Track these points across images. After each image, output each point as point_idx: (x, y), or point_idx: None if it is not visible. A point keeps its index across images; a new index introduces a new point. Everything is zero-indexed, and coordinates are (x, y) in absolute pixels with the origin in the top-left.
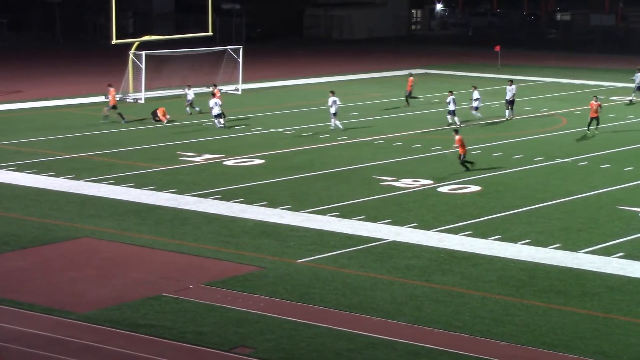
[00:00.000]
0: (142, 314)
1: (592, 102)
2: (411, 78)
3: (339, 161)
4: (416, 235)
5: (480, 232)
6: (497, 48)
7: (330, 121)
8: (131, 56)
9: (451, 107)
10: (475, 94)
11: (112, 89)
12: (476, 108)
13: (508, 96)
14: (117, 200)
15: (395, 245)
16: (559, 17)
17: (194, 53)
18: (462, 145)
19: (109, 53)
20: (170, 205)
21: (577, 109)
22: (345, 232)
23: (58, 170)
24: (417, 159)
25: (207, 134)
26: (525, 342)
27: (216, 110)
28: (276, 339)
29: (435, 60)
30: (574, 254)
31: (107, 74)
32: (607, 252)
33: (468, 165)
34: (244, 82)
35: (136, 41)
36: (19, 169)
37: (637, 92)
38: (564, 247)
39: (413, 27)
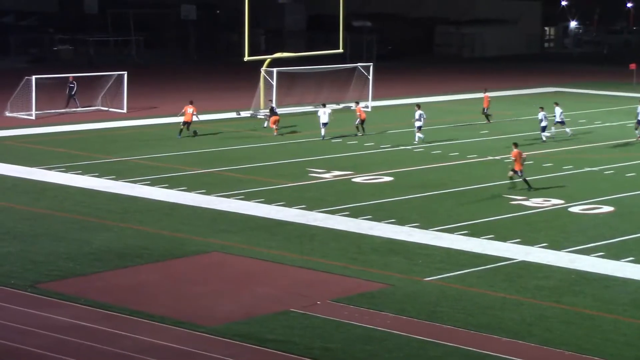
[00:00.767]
0: (270, 329)
1: None
2: (487, 95)
3: (468, 179)
4: (546, 256)
5: (613, 253)
6: (633, 66)
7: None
8: (263, 73)
9: (543, 123)
10: (557, 110)
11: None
12: (562, 123)
13: None
14: (247, 215)
15: (525, 265)
16: None
17: (325, 70)
18: (518, 160)
19: (241, 70)
20: (299, 221)
21: None
22: (474, 250)
23: (190, 185)
24: (548, 178)
25: (336, 151)
26: None
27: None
28: (403, 357)
29: (568, 78)
30: None
31: (239, 91)
32: None
33: (518, 183)
34: (373, 99)
35: (268, 58)
36: (152, 183)
37: None
38: None
39: (546, 44)
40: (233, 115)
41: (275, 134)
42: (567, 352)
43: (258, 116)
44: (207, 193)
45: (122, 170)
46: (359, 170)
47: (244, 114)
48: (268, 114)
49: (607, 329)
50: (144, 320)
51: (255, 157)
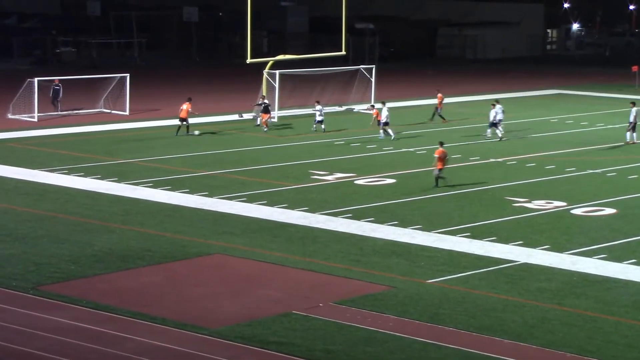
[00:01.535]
0: (273, 331)
1: None
2: (440, 95)
3: (471, 181)
4: (548, 258)
5: (615, 255)
6: (635, 68)
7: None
8: (265, 75)
9: (499, 117)
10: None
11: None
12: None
13: (631, 118)
14: (249, 217)
15: (527, 268)
16: None
17: (327, 72)
18: (442, 159)
19: (243, 72)
20: (301, 223)
21: None
22: (476, 253)
23: (192, 187)
24: (550, 180)
25: (339, 153)
26: None
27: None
28: (405, 359)
29: (570, 80)
30: None
31: (241, 93)
32: None
33: (440, 180)
34: (376, 101)
35: (270, 60)
36: (155, 185)
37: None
38: None
39: (548, 47)
40: (235, 117)
41: (265, 129)
42: (569, 354)
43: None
44: (210, 195)
45: (124, 172)
46: (361, 173)
47: (247, 116)
48: (261, 108)
49: (609, 331)
50: (146, 322)
51: (257, 159)
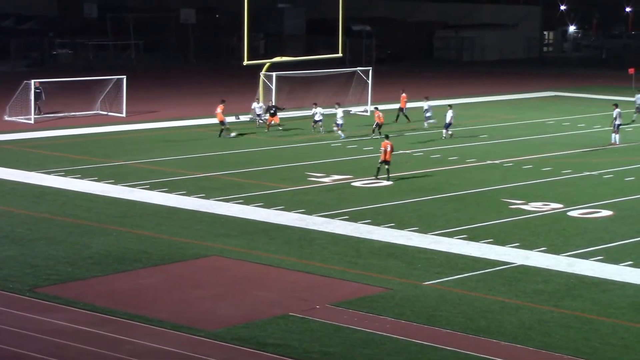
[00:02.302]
0: (269, 333)
1: None
2: (404, 95)
3: (467, 183)
4: (545, 260)
5: (612, 257)
6: (632, 71)
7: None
8: (262, 77)
9: (447, 120)
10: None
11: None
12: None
13: (617, 120)
14: (246, 219)
15: (524, 269)
16: None
17: (324, 74)
18: (387, 151)
19: (240, 74)
20: (298, 225)
21: None
22: (473, 255)
23: (189, 189)
24: (547, 182)
25: (336, 155)
26: None
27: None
28: None
29: (567, 82)
30: None
31: (238, 95)
32: None
33: (379, 171)
34: (373, 103)
35: (267, 62)
36: (152, 187)
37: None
38: None
39: (545, 49)
40: (232, 119)
41: (267, 130)
42: (565, 356)
43: (258, 120)
44: (206, 197)
45: (121, 174)
46: (358, 175)
47: (243, 118)
48: (260, 110)
49: (605, 333)
50: (142, 324)
51: (254, 161)
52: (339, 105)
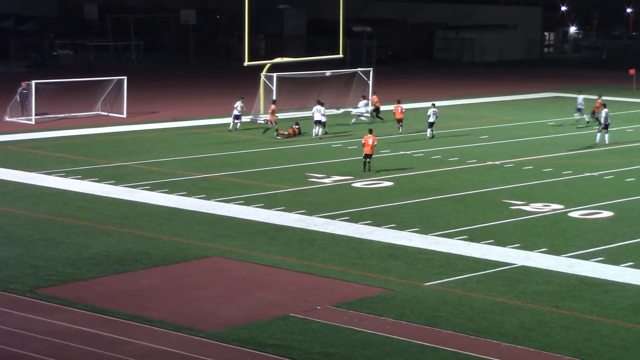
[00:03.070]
0: (270, 334)
1: None
2: (374, 96)
3: (468, 184)
4: (546, 261)
5: (613, 258)
6: (632, 71)
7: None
8: (262, 78)
9: (431, 119)
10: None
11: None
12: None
13: (602, 120)
14: (246, 220)
15: (525, 270)
16: None
17: (324, 75)
18: (368, 145)
19: (241, 75)
20: (299, 226)
21: None
22: (473, 255)
23: (190, 190)
24: (548, 183)
25: (336, 156)
26: None
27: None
28: None
29: (567, 83)
30: None
31: (238, 95)
32: None
33: (365, 166)
34: (373, 104)
35: (268, 63)
36: (152, 188)
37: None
38: None
39: (545, 49)
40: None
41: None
42: (566, 357)
43: (258, 121)
44: (207, 198)
45: (121, 175)
46: (358, 176)
47: (245, 119)
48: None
49: (606, 334)
50: (143, 325)
51: (254, 162)
52: (364, 97)
